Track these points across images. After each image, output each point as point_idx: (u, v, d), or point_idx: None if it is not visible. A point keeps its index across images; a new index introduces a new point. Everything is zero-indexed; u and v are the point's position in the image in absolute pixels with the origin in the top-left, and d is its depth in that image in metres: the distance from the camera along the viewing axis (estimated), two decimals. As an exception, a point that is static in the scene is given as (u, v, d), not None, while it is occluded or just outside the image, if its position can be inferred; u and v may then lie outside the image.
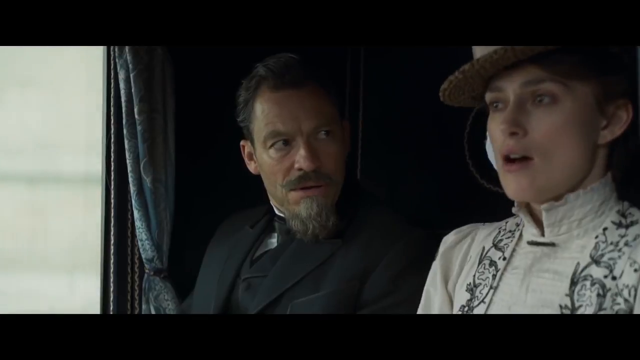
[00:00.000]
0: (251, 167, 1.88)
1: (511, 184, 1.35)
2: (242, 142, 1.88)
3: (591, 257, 1.32)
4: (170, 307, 2.08)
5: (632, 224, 1.33)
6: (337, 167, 1.80)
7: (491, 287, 1.42)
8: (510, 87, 1.33)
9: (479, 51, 1.36)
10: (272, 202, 1.88)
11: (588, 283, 1.30)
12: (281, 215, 1.86)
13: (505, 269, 1.42)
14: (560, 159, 1.32)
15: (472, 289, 1.45)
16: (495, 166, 1.40)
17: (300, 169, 1.76)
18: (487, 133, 1.39)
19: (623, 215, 1.34)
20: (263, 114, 1.79)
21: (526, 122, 1.32)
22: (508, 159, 1.34)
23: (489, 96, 1.38)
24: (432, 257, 1.56)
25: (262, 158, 1.81)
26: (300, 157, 1.76)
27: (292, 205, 1.80)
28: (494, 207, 1.46)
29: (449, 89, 1.40)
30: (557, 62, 1.30)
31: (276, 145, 1.78)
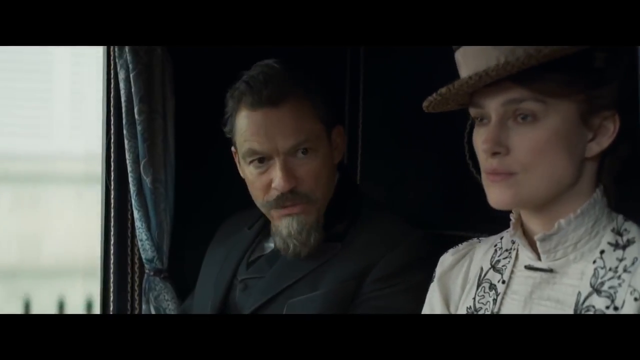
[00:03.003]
0: (242, 172, 1.88)
1: (494, 194, 1.33)
2: (232, 149, 1.87)
3: (591, 285, 1.30)
4: (170, 307, 2.08)
5: (628, 243, 1.31)
6: (318, 185, 1.77)
7: (492, 313, 1.40)
8: (492, 105, 1.32)
9: (461, 58, 1.35)
10: None
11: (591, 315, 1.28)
12: None
13: (505, 292, 1.40)
14: (544, 174, 1.31)
15: (472, 313, 1.44)
16: None
17: (276, 189, 1.75)
18: (474, 144, 1.39)
19: (619, 233, 1.32)
20: (242, 130, 1.78)
21: (508, 141, 1.31)
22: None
23: (472, 111, 1.37)
24: (432, 259, 1.56)
25: (244, 172, 1.82)
26: (276, 178, 1.74)
27: (275, 221, 1.80)
28: (493, 208, 1.45)
29: (431, 106, 1.40)
30: (538, 80, 1.28)
31: (254, 163, 1.77)
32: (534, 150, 1.29)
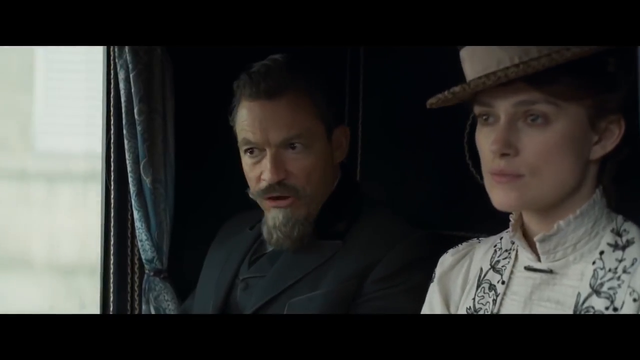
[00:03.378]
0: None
1: (498, 196, 1.33)
2: None
3: (591, 286, 1.29)
4: (170, 307, 2.08)
5: (628, 243, 1.30)
6: (308, 181, 1.78)
7: (492, 313, 1.40)
8: (502, 105, 1.31)
9: (467, 56, 1.34)
10: None
11: None
12: None
13: (504, 293, 1.40)
14: (550, 176, 1.30)
15: (472, 313, 1.43)
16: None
17: (264, 180, 1.77)
18: (477, 143, 1.38)
19: (618, 234, 1.32)
20: (240, 120, 1.80)
21: (517, 142, 1.30)
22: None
23: (477, 109, 1.35)
24: (433, 258, 1.56)
25: (242, 160, 1.83)
26: (264, 168, 1.77)
27: (266, 211, 1.82)
28: (494, 208, 1.45)
29: (436, 104, 1.39)
30: (551, 83, 1.27)
31: (248, 153, 1.80)
32: (544, 152, 1.29)
